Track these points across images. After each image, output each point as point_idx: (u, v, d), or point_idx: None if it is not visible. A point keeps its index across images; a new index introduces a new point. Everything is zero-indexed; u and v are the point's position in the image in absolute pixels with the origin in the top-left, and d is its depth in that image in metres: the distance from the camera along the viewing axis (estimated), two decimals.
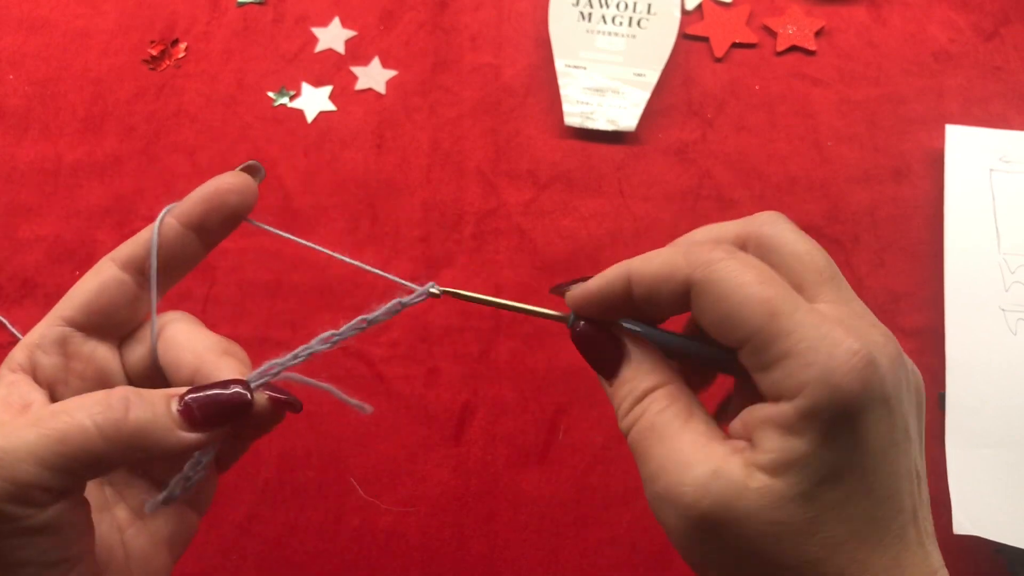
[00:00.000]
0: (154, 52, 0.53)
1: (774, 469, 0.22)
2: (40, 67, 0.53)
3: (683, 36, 0.55)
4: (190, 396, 0.26)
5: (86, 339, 0.28)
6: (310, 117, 0.52)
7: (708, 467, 0.22)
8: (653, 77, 0.52)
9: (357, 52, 0.54)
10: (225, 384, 0.27)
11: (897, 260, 0.49)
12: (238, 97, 0.52)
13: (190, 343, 0.28)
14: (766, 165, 0.51)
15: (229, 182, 0.29)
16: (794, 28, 0.55)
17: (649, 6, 0.54)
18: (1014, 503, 0.41)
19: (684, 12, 0.55)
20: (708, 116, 0.53)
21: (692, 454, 0.23)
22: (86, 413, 0.24)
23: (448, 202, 0.50)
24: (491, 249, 0.49)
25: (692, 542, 0.22)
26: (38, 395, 0.26)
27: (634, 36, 0.53)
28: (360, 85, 0.53)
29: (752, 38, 0.55)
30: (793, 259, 0.24)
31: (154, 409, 0.25)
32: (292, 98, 0.52)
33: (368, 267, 0.32)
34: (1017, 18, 0.56)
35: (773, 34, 0.55)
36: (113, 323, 0.28)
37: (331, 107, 0.52)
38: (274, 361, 0.29)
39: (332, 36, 0.54)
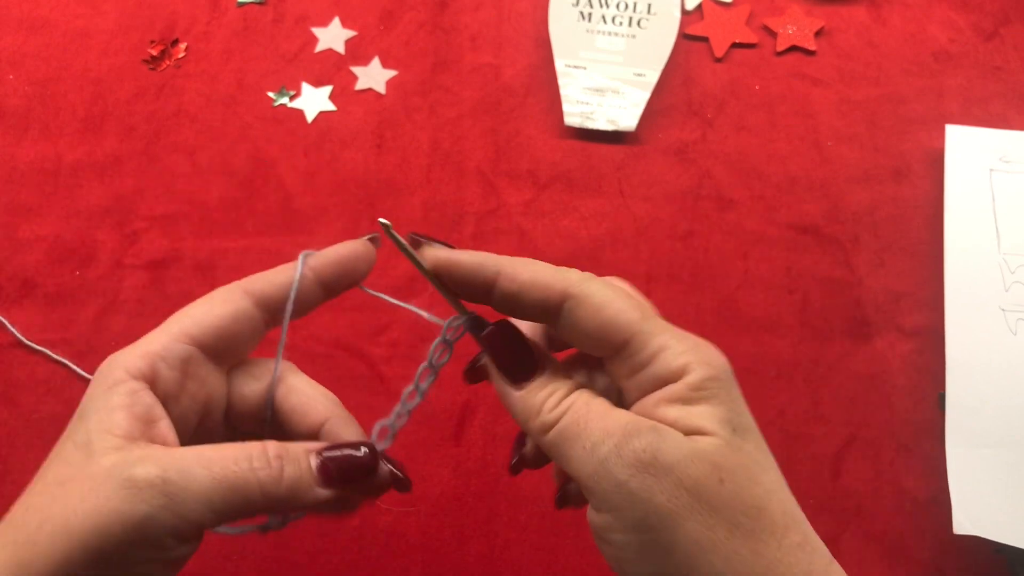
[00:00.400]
0: (154, 52, 0.53)
1: (693, 432, 0.25)
2: (40, 67, 0.53)
3: (683, 36, 0.55)
4: (327, 454, 0.27)
5: (205, 361, 0.28)
6: (310, 117, 0.52)
7: (649, 423, 0.25)
8: (653, 77, 0.52)
9: (357, 52, 0.54)
10: (356, 446, 0.28)
11: (897, 260, 0.49)
12: (238, 97, 0.52)
13: (317, 396, 0.30)
14: (766, 165, 0.51)
15: (361, 251, 0.30)
16: (794, 28, 0.55)
17: (649, 6, 0.54)
18: (1014, 503, 0.41)
19: (684, 12, 0.55)
20: (708, 116, 0.53)
21: (634, 419, 0.25)
22: (251, 466, 0.25)
23: (448, 202, 0.50)
24: (491, 249, 0.48)
25: (633, 499, 0.24)
26: (160, 411, 0.26)
27: (634, 36, 0.53)
28: (360, 85, 0.53)
29: (752, 38, 0.55)
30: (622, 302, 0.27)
31: (299, 466, 0.26)
32: (292, 98, 0.52)
33: (424, 313, 0.32)
34: (1017, 18, 0.56)
35: (773, 34, 0.55)
36: (234, 353, 0.29)
37: (331, 107, 0.52)
38: (383, 423, 0.31)
39: (332, 36, 0.54)
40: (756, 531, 0.24)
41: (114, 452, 0.25)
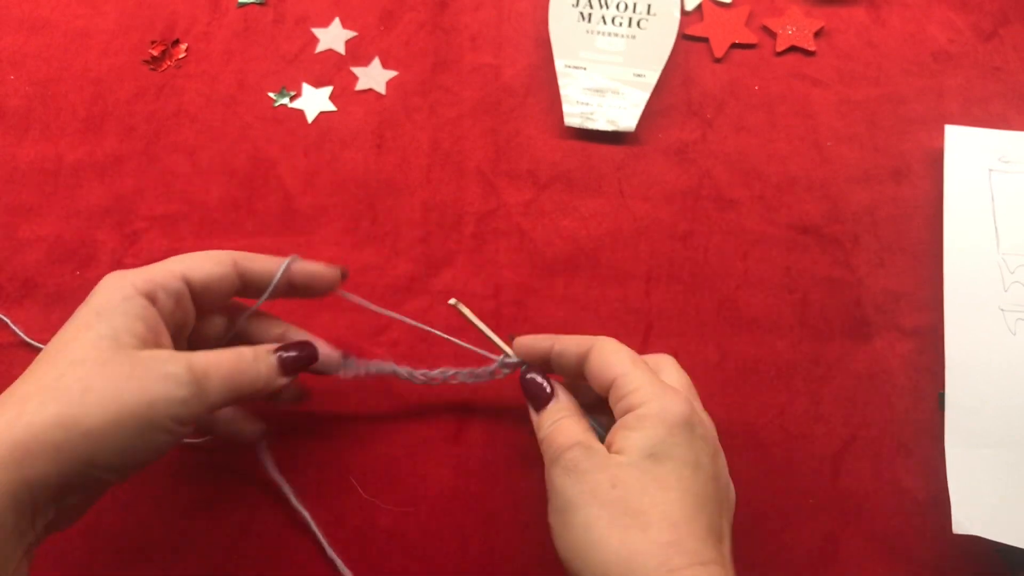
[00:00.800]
0: (155, 52, 0.53)
1: (618, 450, 0.34)
2: (41, 67, 0.53)
3: (683, 37, 0.55)
4: (283, 353, 0.37)
5: (188, 299, 0.36)
6: (310, 117, 0.52)
7: (586, 443, 0.35)
8: (653, 77, 0.52)
9: (357, 52, 0.54)
10: (301, 344, 0.39)
11: (896, 260, 0.49)
12: (238, 97, 0.52)
13: (275, 320, 0.41)
14: (766, 165, 0.51)
15: (329, 276, 0.40)
16: (793, 28, 0.55)
17: (649, 7, 0.54)
18: (1014, 503, 0.41)
19: (684, 13, 0.55)
20: (708, 116, 0.53)
21: (578, 438, 0.36)
22: (241, 366, 0.35)
23: (448, 202, 0.50)
24: (491, 249, 0.49)
25: (556, 490, 0.35)
26: (163, 327, 0.35)
27: (634, 37, 0.53)
28: (360, 85, 0.53)
29: (752, 39, 0.55)
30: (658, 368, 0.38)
31: (269, 361, 0.37)
32: (292, 98, 0.52)
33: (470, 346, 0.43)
34: (1016, 18, 0.56)
35: (772, 35, 0.55)
36: (210, 302, 0.37)
37: (331, 107, 0.52)
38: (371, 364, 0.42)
39: (332, 37, 0.54)
40: (630, 526, 0.32)
41: (145, 349, 0.33)
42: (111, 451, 0.31)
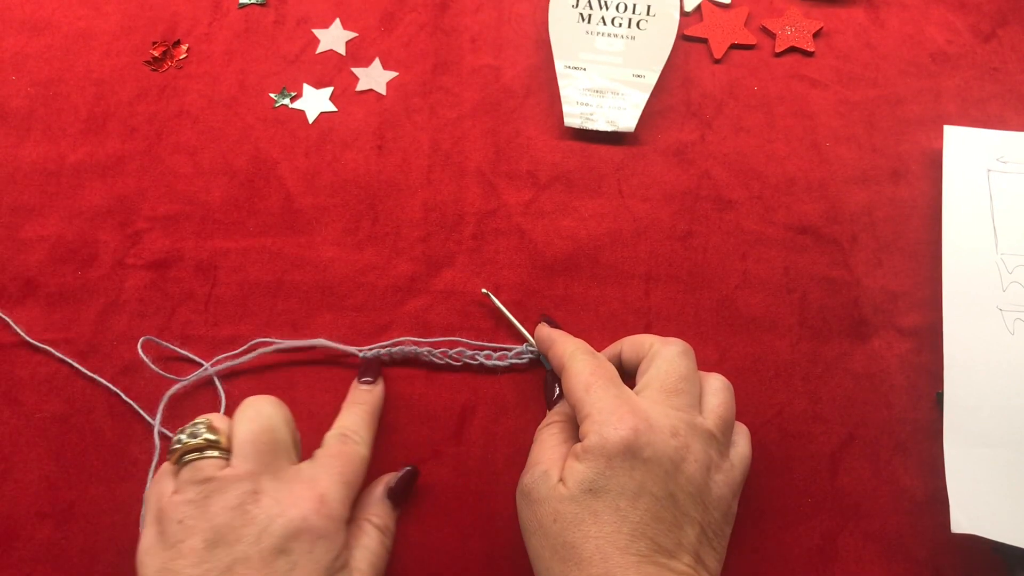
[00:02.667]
0: (156, 53, 0.53)
1: (563, 480, 0.35)
2: (43, 68, 0.53)
3: (682, 37, 0.55)
4: (392, 488, 0.41)
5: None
6: (311, 118, 0.52)
7: (544, 468, 0.37)
8: (652, 78, 0.52)
9: (358, 53, 0.54)
10: (402, 480, 0.42)
11: (895, 260, 0.49)
12: (240, 98, 0.52)
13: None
14: (765, 166, 0.51)
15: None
16: (792, 29, 0.55)
17: (648, 8, 0.54)
18: (1012, 502, 0.41)
19: (683, 14, 0.56)
20: (707, 117, 0.53)
21: (541, 458, 0.38)
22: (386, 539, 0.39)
23: (448, 202, 0.50)
24: (491, 249, 0.49)
25: (519, 510, 0.37)
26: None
27: (633, 38, 0.54)
28: (361, 86, 0.53)
29: (751, 39, 0.55)
30: (656, 368, 0.38)
31: (388, 508, 0.41)
32: (293, 99, 0.53)
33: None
34: (1014, 19, 0.56)
35: (772, 35, 0.55)
36: None
37: (332, 108, 0.52)
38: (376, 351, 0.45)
39: (333, 38, 0.55)
40: (567, 558, 0.34)
41: None
42: None
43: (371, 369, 0.44)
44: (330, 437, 0.39)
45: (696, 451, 0.36)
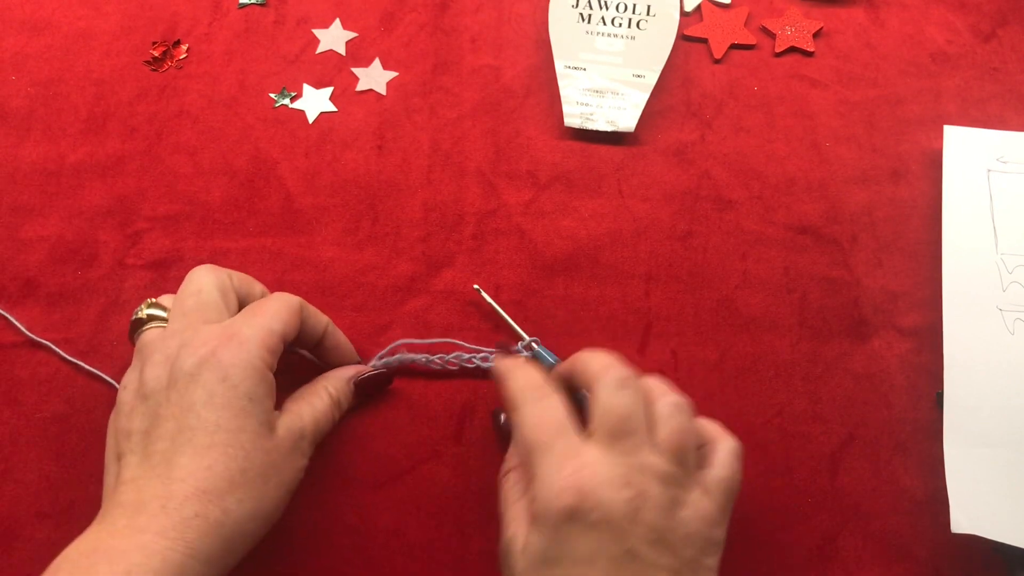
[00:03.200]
0: (156, 53, 0.53)
1: (525, 547, 0.34)
2: (43, 68, 0.53)
3: (682, 38, 0.55)
4: (358, 380, 0.43)
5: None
6: (311, 118, 0.52)
7: (510, 532, 0.36)
8: (652, 78, 0.52)
9: (358, 53, 0.54)
10: (374, 370, 0.44)
11: (895, 260, 0.49)
12: (240, 98, 0.52)
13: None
14: (765, 166, 0.52)
15: (352, 357, 0.45)
16: (792, 29, 0.55)
17: (648, 8, 0.54)
18: (1012, 502, 0.41)
19: (683, 14, 0.56)
20: (707, 117, 0.53)
21: (515, 520, 0.36)
22: (331, 409, 0.41)
23: (448, 203, 0.50)
24: (491, 249, 0.49)
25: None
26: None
27: (633, 38, 0.54)
28: (361, 86, 0.53)
29: (751, 39, 0.55)
30: (598, 409, 0.35)
31: (348, 394, 0.43)
32: (293, 99, 0.53)
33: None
34: (1014, 20, 0.56)
35: (771, 35, 0.55)
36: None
37: (332, 108, 0.52)
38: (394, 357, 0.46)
39: (333, 38, 0.55)
40: None
41: (282, 429, 0.37)
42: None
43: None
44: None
45: (654, 496, 0.33)
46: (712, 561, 0.34)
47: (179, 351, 0.36)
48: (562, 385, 0.38)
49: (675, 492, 0.34)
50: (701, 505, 0.34)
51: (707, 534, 0.34)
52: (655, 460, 0.34)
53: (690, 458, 0.35)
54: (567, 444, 0.34)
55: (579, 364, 0.37)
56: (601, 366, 0.36)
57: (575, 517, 0.32)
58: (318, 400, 0.40)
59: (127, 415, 0.36)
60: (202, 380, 0.35)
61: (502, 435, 0.41)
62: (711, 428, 0.38)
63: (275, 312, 0.38)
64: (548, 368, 0.44)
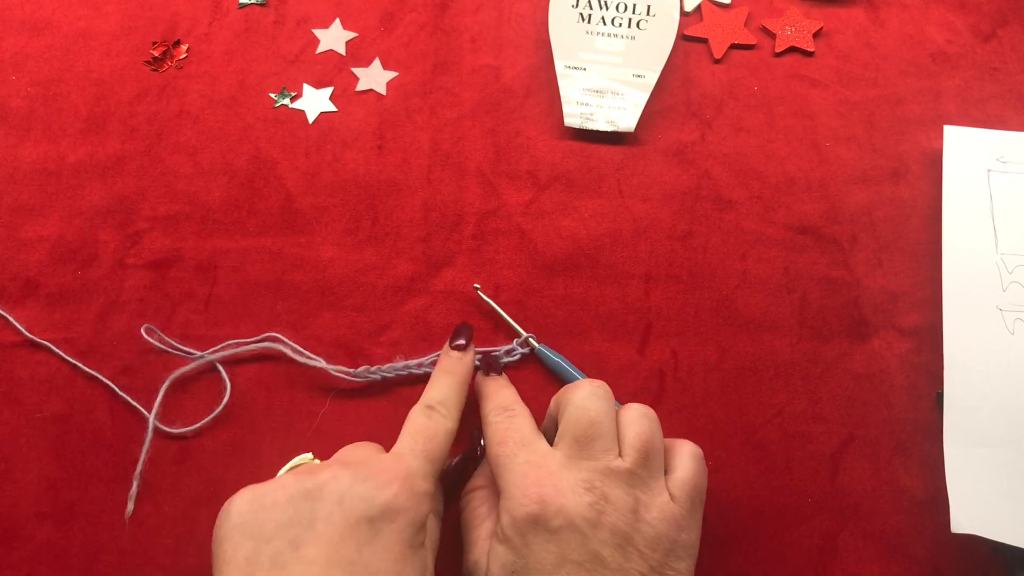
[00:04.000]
0: (156, 53, 0.53)
1: (489, 567, 0.34)
2: (43, 68, 0.53)
3: (682, 38, 0.55)
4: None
5: None
6: (311, 118, 0.52)
7: (474, 557, 0.36)
8: (652, 78, 0.52)
9: (358, 53, 0.54)
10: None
11: (895, 260, 0.49)
12: (240, 98, 0.52)
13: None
14: (764, 166, 0.51)
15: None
16: (792, 29, 0.55)
17: (648, 8, 0.54)
18: (1012, 502, 0.41)
19: (683, 14, 0.56)
20: (707, 117, 0.53)
21: (479, 541, 0.37)
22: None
23: (448, 203, 0.50)
24: (491, 249, 0.49)
25: None
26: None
27: (633, 38, 0.54)
28: (361, 86, 0.53)
29: (751, 39, 0.55)
30: (567, 416, 0.36)
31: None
32: (293, 99, 0.53)
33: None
34: (1015, 20, 0.56)
35: (772, 35, 0.55)
36: None
37: (332, 108, 0.52)
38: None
39: (333, 38, 0.55)
40: None
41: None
42: None
43: (463, 333, 0.42)
44: (416, 410, 0.39)
45: (616, 499, 0.34)
46: (682, 565, 0.34)
47: (354, 488, 0.36)
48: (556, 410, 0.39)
49: (639, 495, 0.34)
50: (666, 508, 0.34)
51: (674, 537, 0.34)
52: (619, 464, 0.34)
53: (655, 463, 0.35)
54: (530, 454, 0.35)
55: (569, 389, 0.38)
56: (575, 385, 0.37)
57: (538, 524, 0.33)
58: (430, 523, 0.37)
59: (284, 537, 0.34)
60: (377, 528, 0.35)
61: (480, 453, 0.41)
62: (673, 439, 0.39)
63: (434, 437, 0.38)
64: (553, 363, 0.45)
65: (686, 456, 0.37)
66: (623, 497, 0.34)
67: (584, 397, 0.36)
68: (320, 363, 0.44)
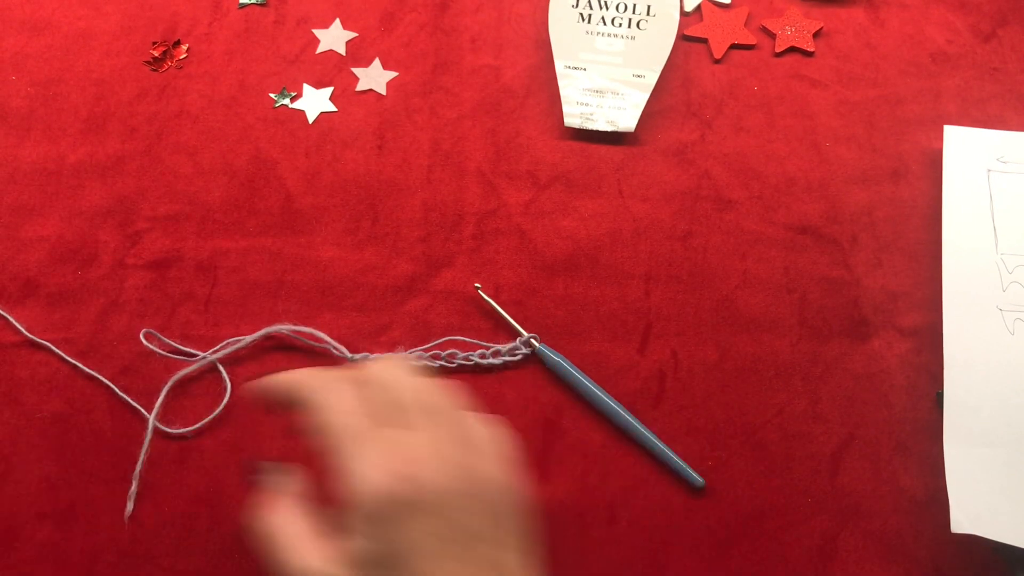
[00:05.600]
0: (156, 53, 0.53)
1: (337, 559, 0.29)
2: (43, 68, 0.53)
3: (682, 38, 0.55)
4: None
5: None
6: (311, 118, 0.52)
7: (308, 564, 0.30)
8: (652, 78, 0.52)
9: (358, 53, 0.54)
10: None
11: (895, 260, 0.49)
12: (240, 98, 0.52)
13: None
14: (764, 166, 0.51)
15: None
16: (792, 29, 0.55)
17: (648, 8, 0.54)
18: (1012, 502, 0.41)
19: (683, 14, 0.56)
20: (707, 117, 0.53)
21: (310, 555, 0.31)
22: None
23: (448, 203, 0.50)
24: (491, 249, 0.49)
25: None
26: None
27: (633, 38, 0.54)
28: (361, 86, 0.53)
29: (751, 39, 0.55)
30: (397, 393, 0.32)
31: None
32: (293, 99, 0.53)
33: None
34: (1015, 20, 0.56)
35: (772, 35, 0.55)
36: None
37: (332, 108, 0.52)
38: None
39: (333, 38, 0.55)
40: None
41: None
42: None
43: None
44: None
45: (453, 462, 0.30)
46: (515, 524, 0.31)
47: None
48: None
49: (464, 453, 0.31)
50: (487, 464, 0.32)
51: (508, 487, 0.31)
52: (444, 432, 0.31)
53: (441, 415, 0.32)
54: (378, 434, 0.31)
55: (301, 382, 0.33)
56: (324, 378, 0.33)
57: (399, 502, 0.29)
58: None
59: None
60: None
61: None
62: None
63: None
64: (554, 363, 0.45)
65: (472, 417, 0.34)
66: (459, 458, 0.31)
67: (381, 376, 0.32)
68: (323, 336, 0.45)
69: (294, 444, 0.44)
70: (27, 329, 0.46)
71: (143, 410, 0.44)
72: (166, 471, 0.43)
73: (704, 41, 0.55)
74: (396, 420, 0.31)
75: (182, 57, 0.54)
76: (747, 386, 0.46)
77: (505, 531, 0.30)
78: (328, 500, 0.32)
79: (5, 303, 0.47)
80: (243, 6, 0.55)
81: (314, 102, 0.52)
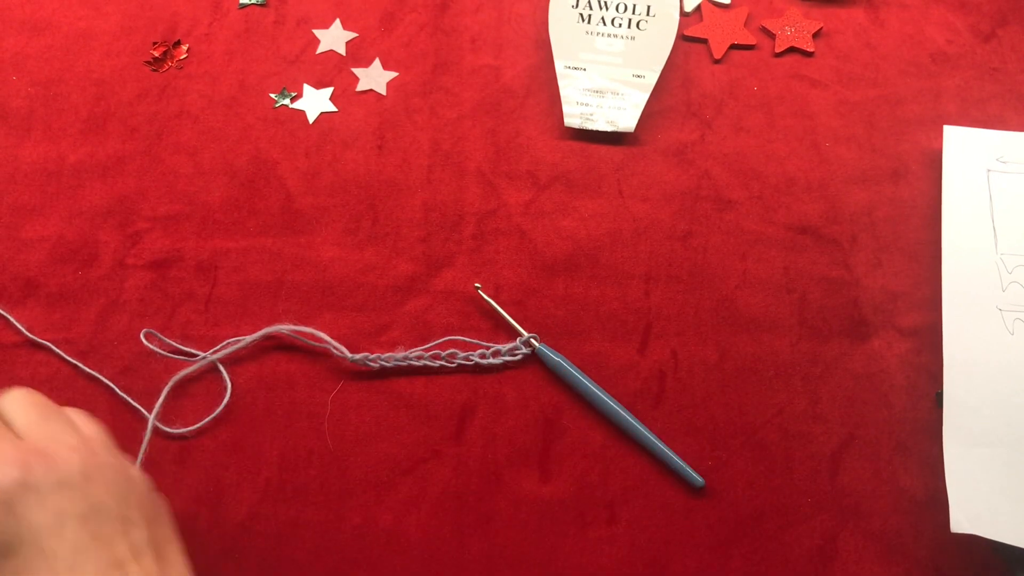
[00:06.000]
0: (156, 53, 0.54)
1: None
2: (43, 68, 0.53)
3: (682, 38, 0.55)
4: None
5: None
6: (311, 118, 0.52)
7: None
8: (652, 78, 0.52)
9: (358, 54, 0.54)
10: None
11: (895, 260, 0.49)
12: (240, 98, 0.52)
13: None
14: (764, 166, 0.52)
15: None
16: (792, 29, 0.55)
17: (648, 8, 0.54)
18: (1012, 502, 0.41)
19: (683, 14, 0.56)
20: (707, 117, 0.53)
21: None
22: None
23: (448, 203, 0.50)
24: (491, 249, 0.49)
25: None
26: None
27: (633, 38, 0.54)
28: (361, 86, 0.53)
29: (750, 39, 0.55)
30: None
31: None
32: (293, 99, 0.53)
33: None
34: (1014, 20, 0.56)
35: (771, 35, 0.55)
36: None
37: (332, 108, 0.52)
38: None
39: (333, 38, 0.55)
40: None
41: None
42: None
43: None
44: None
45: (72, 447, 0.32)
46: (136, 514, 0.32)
47: None
48: None
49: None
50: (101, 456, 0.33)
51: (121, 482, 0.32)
52: (56, 426, 0.33)
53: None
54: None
55: None
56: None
57: (28, 487, 0.29)
58: None
59: None
60: None
61: None
62: None
63: None
64: (554, 363, 0.45)
65: (76, 414, 0.35)
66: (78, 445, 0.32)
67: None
68: (323, 336, 0.45)
69: (294, 444, 0.44)
70: (27, 329, 0.46)
71: (143, 410, 0.44)
72: (166, 471, 0.43)
73: (704, 41, 0.55)
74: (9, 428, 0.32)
75: (182, 57, 0.54)
76: (747, 386, 0.46)
77: (131, 507, 0.31)
78: None
79: (5, 303, 0.47)
80: (243, 6, 0.55)
81: (314, 102, 0.53)
